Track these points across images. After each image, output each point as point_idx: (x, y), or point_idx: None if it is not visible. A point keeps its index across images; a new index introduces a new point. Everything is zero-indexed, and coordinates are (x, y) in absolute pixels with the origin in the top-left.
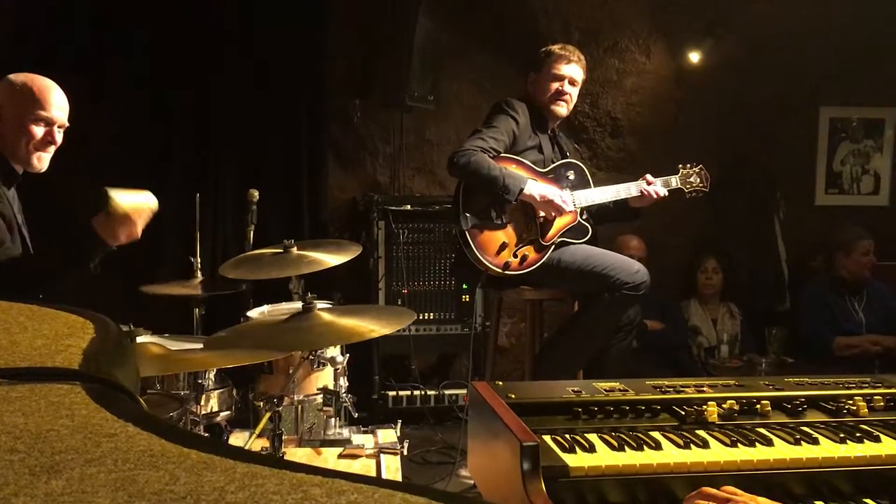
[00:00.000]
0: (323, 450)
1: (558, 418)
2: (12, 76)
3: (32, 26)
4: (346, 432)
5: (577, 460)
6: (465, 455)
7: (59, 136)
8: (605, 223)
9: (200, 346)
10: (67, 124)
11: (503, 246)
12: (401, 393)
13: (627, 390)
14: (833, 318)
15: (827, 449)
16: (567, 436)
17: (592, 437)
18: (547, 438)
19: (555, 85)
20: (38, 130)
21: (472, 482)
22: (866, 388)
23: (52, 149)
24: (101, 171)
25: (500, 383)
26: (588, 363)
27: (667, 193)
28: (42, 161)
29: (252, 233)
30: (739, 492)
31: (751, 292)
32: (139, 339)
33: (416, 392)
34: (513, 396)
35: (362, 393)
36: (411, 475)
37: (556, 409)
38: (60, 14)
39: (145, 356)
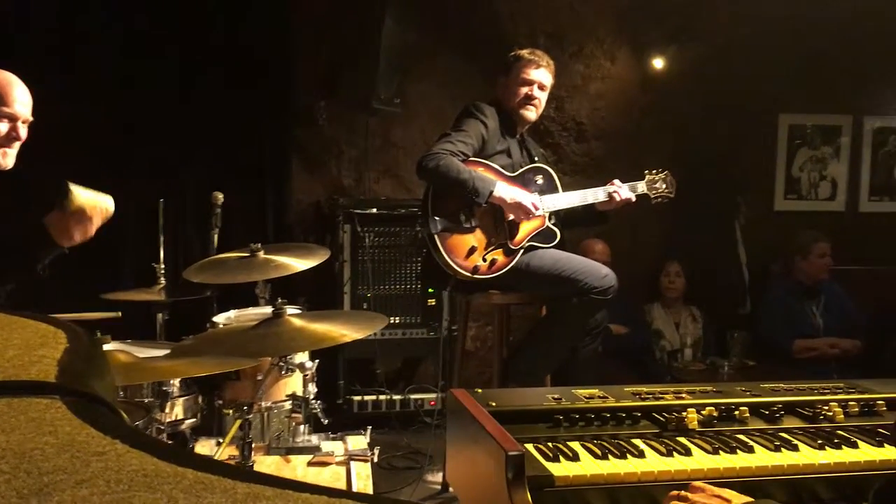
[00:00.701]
0: (292, 457)
1: (540, 426)
2: None
3: None
4: (315, 439)
5: (561, 469)
6: (433, 460)
7: (23, 132)
8: (573, 227)
9: (167, 352)
10: (31, 119)
11: (472, 250)
12: (366, 398)
13: (607, 397)
14: (792, 321)
15: (807, 455)
16: (550, 444)
17: (575, 445)
18: (530, 447)
19: (524, 89)
20: (2, 127)
21: (439, 487)
22: (840, 393)
23: (16, 145)
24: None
25: (480, 391)
26: (556, 367)
27: (634, 198)
28: (7, 157)
29: (217, 236)
30: (708, 486)
31: (713, 296)
32: (106, 347)
33: (382, 397)
34: (493, 405)
35: (327, 398)
36: (378, 481)
37: (537, 417)
38: (22, 4)
39: (113, 365)
